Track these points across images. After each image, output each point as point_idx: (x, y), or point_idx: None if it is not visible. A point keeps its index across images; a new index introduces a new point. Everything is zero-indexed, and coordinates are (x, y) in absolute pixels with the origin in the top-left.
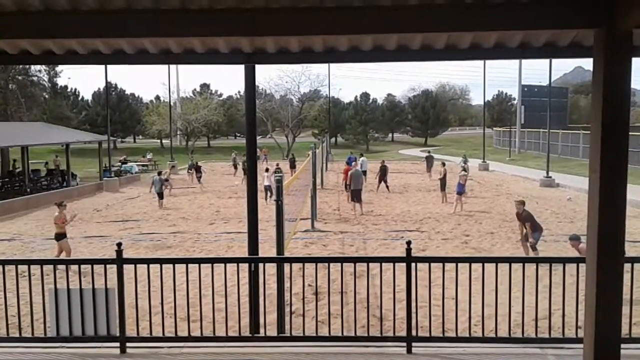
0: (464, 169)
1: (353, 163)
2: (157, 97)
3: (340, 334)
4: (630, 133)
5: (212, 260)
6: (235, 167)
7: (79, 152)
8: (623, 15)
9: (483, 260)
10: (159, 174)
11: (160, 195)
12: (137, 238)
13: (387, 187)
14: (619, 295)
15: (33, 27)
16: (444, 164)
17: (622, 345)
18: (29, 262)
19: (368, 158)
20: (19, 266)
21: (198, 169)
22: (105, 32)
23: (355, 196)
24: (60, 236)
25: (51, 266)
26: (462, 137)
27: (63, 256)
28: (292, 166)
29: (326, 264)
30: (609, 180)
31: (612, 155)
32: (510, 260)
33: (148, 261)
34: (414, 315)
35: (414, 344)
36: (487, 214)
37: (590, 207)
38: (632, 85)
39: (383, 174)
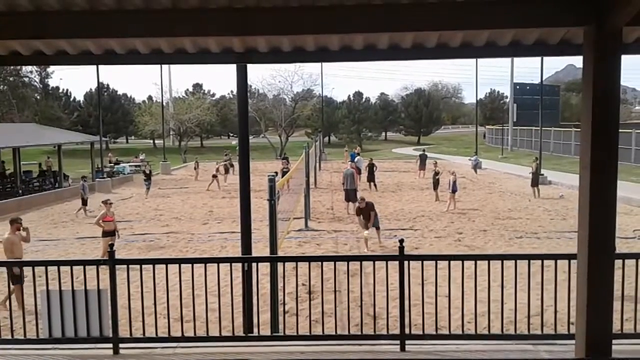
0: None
1: (354, 160)
2: (150, 98)
3: (334, 333)
4: (620, 130)
5: (205, 260)
6: (232, 166)
7: (71, 153)
8: (612, 13)
9: (476, 257)
10: (83, 178)
11: (83, 202)
12: (130, 239)
13: (375, 185)
14: (610, 291)
15: (23, 27)
16: (436, 163)
17: (614, 341)
18: (20, 264)
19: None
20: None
21: (148, 177)
22: (95, 32)
23: (349, 196)
24: (107, 233)
25: (43, 268)
26: (455, 135)
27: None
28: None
29: (319, 263)
30: (600, 177)
31: (602, 152)
32: (502, 257)
33: (141, 262)
34: (407, 314)
35: (407, 342)
36: (479, 212)
37: (580, 203)
38: (622, 83)
39: (370, 172)
